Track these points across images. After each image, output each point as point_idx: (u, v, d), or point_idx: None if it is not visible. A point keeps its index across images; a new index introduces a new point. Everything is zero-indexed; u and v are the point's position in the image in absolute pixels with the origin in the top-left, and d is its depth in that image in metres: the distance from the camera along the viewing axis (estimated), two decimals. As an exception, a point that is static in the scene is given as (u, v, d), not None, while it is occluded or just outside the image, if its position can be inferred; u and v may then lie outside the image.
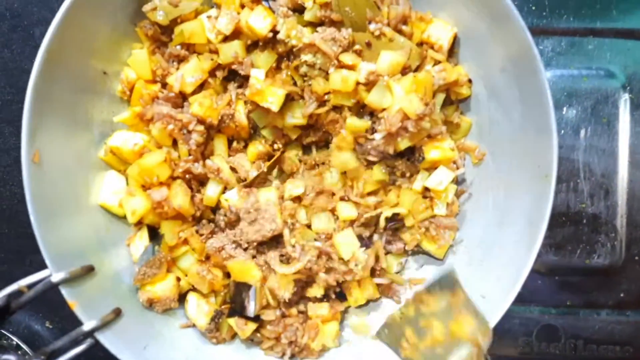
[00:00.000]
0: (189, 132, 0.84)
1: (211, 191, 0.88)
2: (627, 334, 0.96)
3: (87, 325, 0.77)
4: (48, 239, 0.77)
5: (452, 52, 0.88)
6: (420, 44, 0.86)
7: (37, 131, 0.77)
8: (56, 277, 0.75)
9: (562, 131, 1.01)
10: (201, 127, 0.84)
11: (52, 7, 1.02)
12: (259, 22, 0.83)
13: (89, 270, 0.79)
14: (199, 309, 0.88)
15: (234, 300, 0.85)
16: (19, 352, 1.01)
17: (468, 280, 0.82)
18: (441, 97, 0.86)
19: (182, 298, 0.90)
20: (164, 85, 0.88)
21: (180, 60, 0.87)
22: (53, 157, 0.80)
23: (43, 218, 0.77)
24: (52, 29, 0.76)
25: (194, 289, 0.90)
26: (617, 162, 1.01)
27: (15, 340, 1.01)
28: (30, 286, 0.74)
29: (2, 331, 1.01)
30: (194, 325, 0.89)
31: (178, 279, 0.89)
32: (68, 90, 0.81)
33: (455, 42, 0.87)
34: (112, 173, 0.88)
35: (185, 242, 0.89)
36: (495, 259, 0.84)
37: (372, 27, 0.83)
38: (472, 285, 0.82)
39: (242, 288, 0.85)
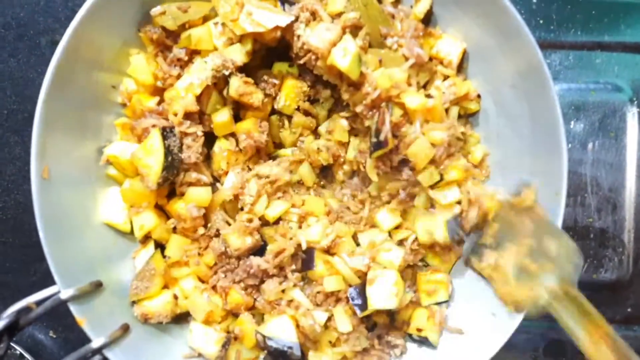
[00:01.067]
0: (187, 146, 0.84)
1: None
2: (634, 349, 0.96)
3: (96, 343, 0.77)
4: (57, 255, 0.77)
5: (461, 68, 0.88)
6: (430, 60, 0.86)
7: (47, 147, 0.77)
8: (65, 294, 0.75)
9: (570, 145, 1.01)
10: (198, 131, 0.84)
11: (57, 17, 1.01)
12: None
13: (97, 286, 0.79)
14: (207, 337, 0.86)
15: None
16: (24, 363, 1.01)
17: (479, 298, 0.83)
18: (455, 110, 0.86)
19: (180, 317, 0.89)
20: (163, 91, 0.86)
21: (183, 65, 0.86)
22: (62, 172, 0.80)
23: (52, 233, 0.77)
24: (62, 44, 0.76)
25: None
26: (624, 176, 1.01)
27: (19, 349, 1.01)
28: (38, 303, 0.74)
29: (6, 341, 1.00)
30: (199, 355, 0.88)
31: (176, 297, 0.87)
32: (77, 105, 0.81)
33: (464, 57, 0.87)
34: (115, 190, 0.87)
35: (187, 263, 0.88)
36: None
37: (388, 42, 0.83)
38: (483, 302, 0.82)
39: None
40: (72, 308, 0.77)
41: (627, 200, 1.00)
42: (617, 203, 1.00)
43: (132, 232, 0.86)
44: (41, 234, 0.76)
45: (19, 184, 1.04)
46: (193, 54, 0.86)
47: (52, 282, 0.79)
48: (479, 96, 0.87)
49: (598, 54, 1.01)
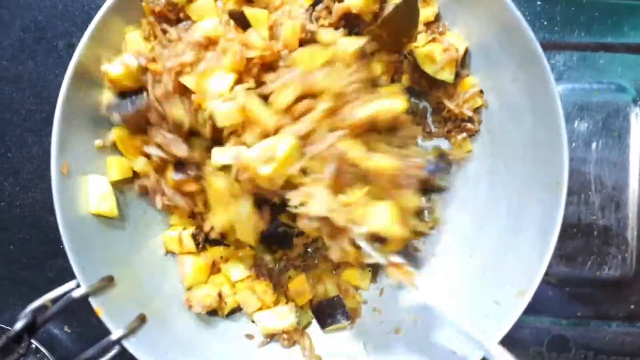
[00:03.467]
0: None
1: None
2: (637, 346, 0.97)
3: (115, 334, 0.79)
4: (76, 249, 0.80)
5: (464, 64, 0.91)
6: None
7: (66, 143, 0.80)
8: (77, 293, 0.78)
9: (574, 144, 1.02)
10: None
11: (75, 21, 1.04)
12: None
13: (109, 280, 0.82)
14: (277, 315, 0.91)
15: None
16: (38, 355, 1.03)
17: (482, 287, 0.84)
18: None
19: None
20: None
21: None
22: (80, 168, 0.83)
23: (71, 228, 0.80)
24: (83, 43, 0.79)
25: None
26: (628, 175, 1.02)
27: (35, 343, 1.03)
28: (55, 300, 0.76)
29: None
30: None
31: (220, 295, 0.92)
32: (93, 104, 0.84)
33: (466, 53, 0.90)
34: (94, 177, 0.86)
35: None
36: (509, 266, 0.85)
37: None
38: (486, 291, 0.84)
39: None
40: (90, 300, 0.80)
41: (630, 198, 1.01)
42: (620, 201, 1.01)
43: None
44: (61, 228, 0.80)
45: (36, 182, 1.06)
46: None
47: (68, 278, 0.82)
48: (481, 92, 0.89)
49: (602, 55, 1.03)
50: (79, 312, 1.06)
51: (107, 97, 0.85)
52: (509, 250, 0.86)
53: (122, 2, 0.81)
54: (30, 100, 1.06)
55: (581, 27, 1.02)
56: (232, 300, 0.92)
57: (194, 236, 0.91)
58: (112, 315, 0.82)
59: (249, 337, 0.94)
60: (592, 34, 1.02)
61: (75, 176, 0.83)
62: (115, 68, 0.80)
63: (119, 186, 0.89)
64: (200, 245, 0.93)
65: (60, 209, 0.80)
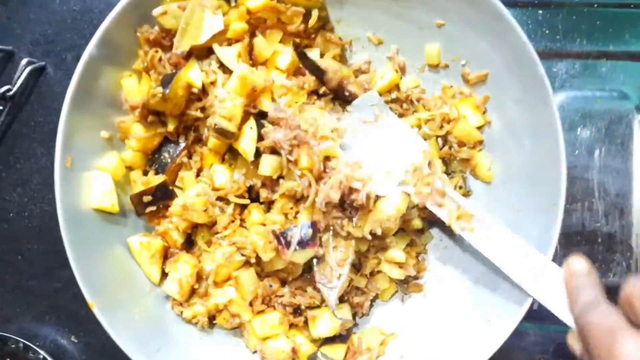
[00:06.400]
0: None
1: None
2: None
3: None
4: (74, 243, 0.84)
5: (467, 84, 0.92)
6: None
7: (70, 141, 0.84)
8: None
9: (577, 151, 1.03)
10: None
11: (83, 33, 1.06)
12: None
13: None
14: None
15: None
16: (46, 365, 1.04)
17: (476, 304, 0.85)
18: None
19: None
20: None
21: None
22: (83, 163, 0.86)
23: (70, 220, 0.83)
24: (84, 59, 0.82)
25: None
26: (631, 182, 1.02)
27: (43, 353, 1.04)
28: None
29: (30, 344, 1.03)
30: None
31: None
32: (101, 104, 0.87)
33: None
34: (97, 174, 0.89)
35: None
36: (504, 283, 0.85)
37: None
38: (479, 309, 0.86)
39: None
40: (84, 290, 0.83)
41: (634, 205, 1.01)
42: (624, 208, 1.01)
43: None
44: (61, 222, 0.83)
45: (44, 193, 1.08)
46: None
47: (75, 288, 0.83)
48: (484, 112, 0.91)
49: (603, 63, 1.03)
50: (86, 323, 1.07)
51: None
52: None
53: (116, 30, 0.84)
54: (39, 113, 1.07)
55: (583, 35, 1.03)
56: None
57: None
58: (104, 310, 0.84)
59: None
60: (593, 42, 1.03)
61: (79, 171, 0.85)
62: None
63: (120, 183, 0.91)
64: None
65: (61, 201, 0.82)
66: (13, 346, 1.03)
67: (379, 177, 0.86)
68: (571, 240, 1.02)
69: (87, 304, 0.84)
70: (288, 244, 0.80)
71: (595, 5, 1.03)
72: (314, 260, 0.86)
